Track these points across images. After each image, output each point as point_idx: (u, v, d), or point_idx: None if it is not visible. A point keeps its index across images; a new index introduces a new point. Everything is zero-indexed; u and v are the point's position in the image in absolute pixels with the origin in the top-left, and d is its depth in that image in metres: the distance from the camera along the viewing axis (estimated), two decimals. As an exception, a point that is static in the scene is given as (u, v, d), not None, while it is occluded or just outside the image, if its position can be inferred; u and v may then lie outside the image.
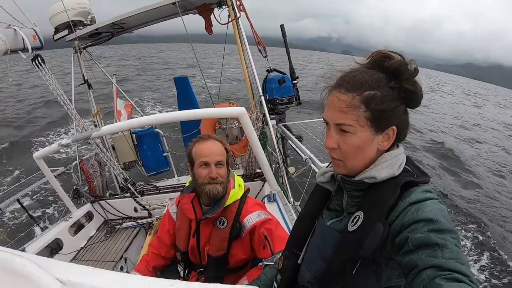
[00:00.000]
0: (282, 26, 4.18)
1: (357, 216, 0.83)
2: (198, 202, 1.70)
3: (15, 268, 0.52)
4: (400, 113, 0.83)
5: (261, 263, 1.57)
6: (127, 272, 2.68)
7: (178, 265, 1.84)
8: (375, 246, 0.77)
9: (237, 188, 1.72)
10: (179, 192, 3.44)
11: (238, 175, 3.79)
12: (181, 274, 1.81)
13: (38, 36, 2.74)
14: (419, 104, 0.84)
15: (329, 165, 1.02)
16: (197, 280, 1.74)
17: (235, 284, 1.65)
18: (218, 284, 0.52)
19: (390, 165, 0.83)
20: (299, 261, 1.03)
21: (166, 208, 1.96)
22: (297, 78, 4.14)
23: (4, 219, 6.03)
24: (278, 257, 1.20)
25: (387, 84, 0.81)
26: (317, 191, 1.07)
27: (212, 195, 1.61)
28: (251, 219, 1.65)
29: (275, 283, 1.09)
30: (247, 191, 1.78)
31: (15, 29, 2.70)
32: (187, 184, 1.87)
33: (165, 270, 1.95)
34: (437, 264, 0.63)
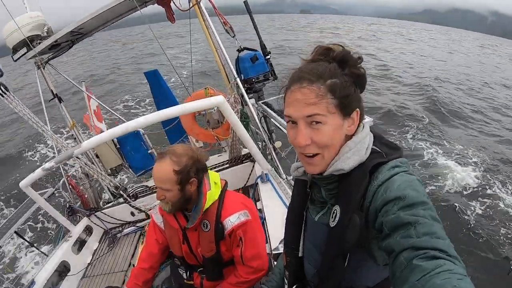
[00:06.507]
0: (246, 3, 4.07)
1: (335, 211, 0.84)
2: (180, 211, 1.70)
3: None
4: (359, 96, 0.86)
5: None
6: None
7: (179, 268, 1.88)
8: (356, 238, 0.78)
9: (213, 187, 1.67)
10: None
11: (224, 162, 3.72)
12: (184, 276, 1.87)
13: (-4, 65, 2.65)
14: (364, 87, 0.88)
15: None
16: (202, 279, 1.82)
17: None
18: None
19: (355, 153, 0.83)
20: (300, 254, 1.04)
21: (151, 218, 1.95)
22: (269, 53, 4.10)
23: (6, 254, 5.90)
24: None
25: (341, 72, 0.83)
26: (297, 184, 1.07)
27: (166, 212, 1.65)
28: (230, 221, 1.65)
29: (285, 279, 1.10)
30: (225, 185, 1.75)
31: (-30, 65, 2.61)
32: None
33: (170, 274, 1.99)
34: (412, 244, 0.64)
